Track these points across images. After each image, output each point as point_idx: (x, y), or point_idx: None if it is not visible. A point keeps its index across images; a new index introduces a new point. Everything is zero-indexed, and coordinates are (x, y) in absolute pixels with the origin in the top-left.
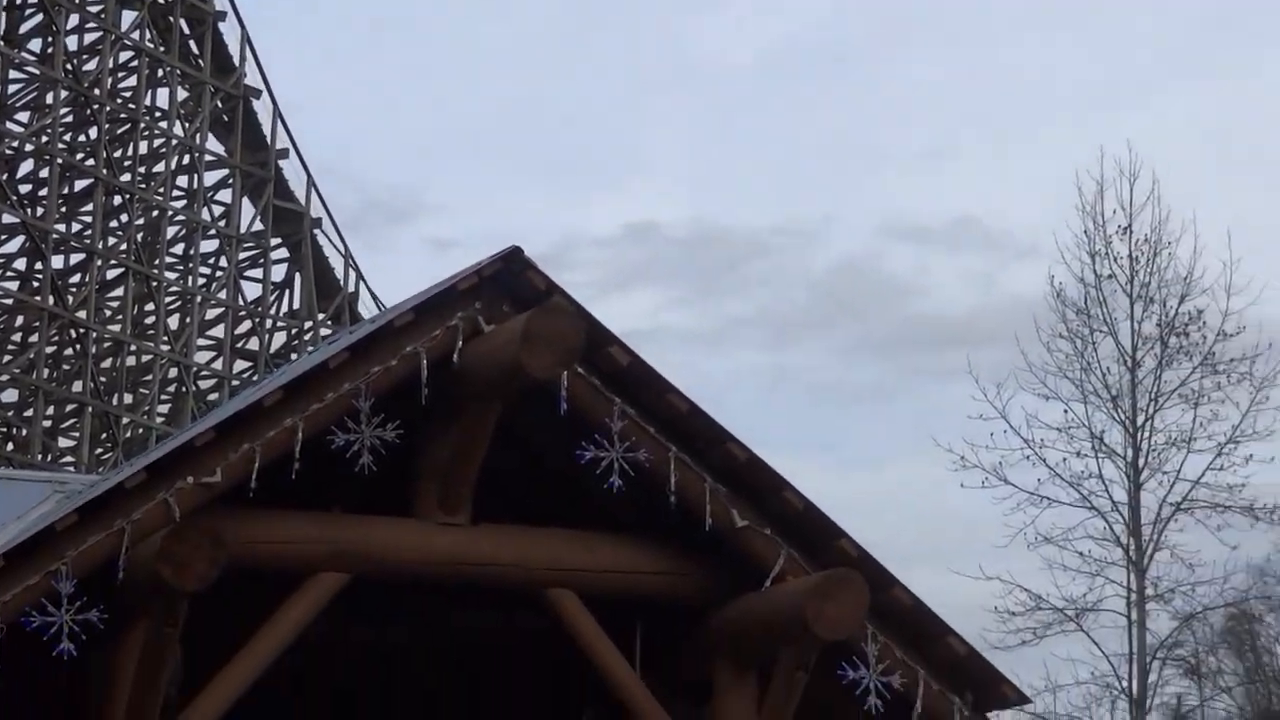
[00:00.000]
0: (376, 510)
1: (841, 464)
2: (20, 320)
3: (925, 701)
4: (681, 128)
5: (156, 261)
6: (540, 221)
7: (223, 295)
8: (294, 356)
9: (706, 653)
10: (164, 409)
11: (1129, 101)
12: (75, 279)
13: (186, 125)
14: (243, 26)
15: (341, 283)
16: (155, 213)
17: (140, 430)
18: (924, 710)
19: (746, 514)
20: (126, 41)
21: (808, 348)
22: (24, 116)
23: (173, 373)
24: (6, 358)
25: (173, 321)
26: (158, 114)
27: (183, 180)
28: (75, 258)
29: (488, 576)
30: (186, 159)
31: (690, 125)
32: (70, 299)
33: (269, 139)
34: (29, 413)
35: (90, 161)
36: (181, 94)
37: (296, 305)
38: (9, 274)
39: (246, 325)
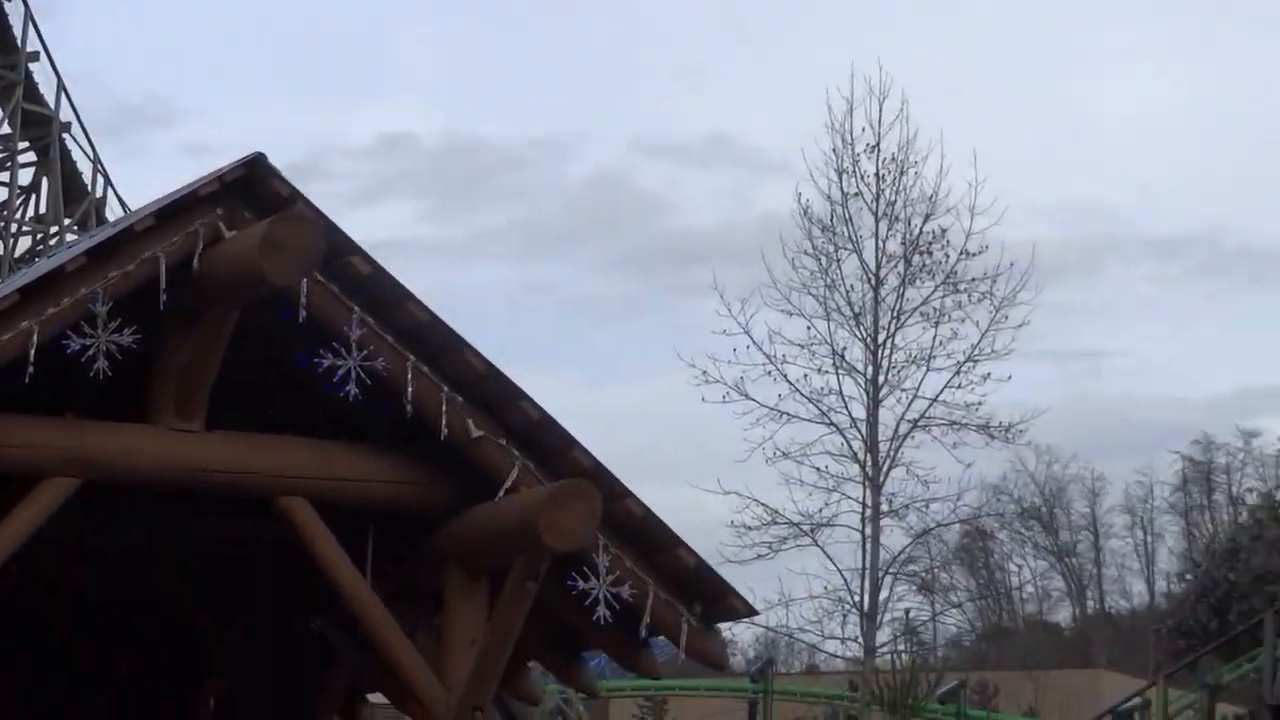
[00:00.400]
0: (112, 416)
1: (592, 378)
2: None
3: (654, 612)
4: (438, 38)
5: None
6: (296, 130)
7: None
8: (39, 261)
9: (440, 561)
10: None
11: (881, 20)
12: None
13: None
14: None
15: (90, 188)
16: None
17: None
18: (652, 621)
19: (483, 424)
20: None
21: (559, 262)
22: None
23: None
24: None
25: None
26: None
27: None
28: None
29: (221, 483)
30: None
31: (447, 36)
32: None
33: (19, 41)
34: None
35: None
36: None
37: (43, 210)
38: None
39: None
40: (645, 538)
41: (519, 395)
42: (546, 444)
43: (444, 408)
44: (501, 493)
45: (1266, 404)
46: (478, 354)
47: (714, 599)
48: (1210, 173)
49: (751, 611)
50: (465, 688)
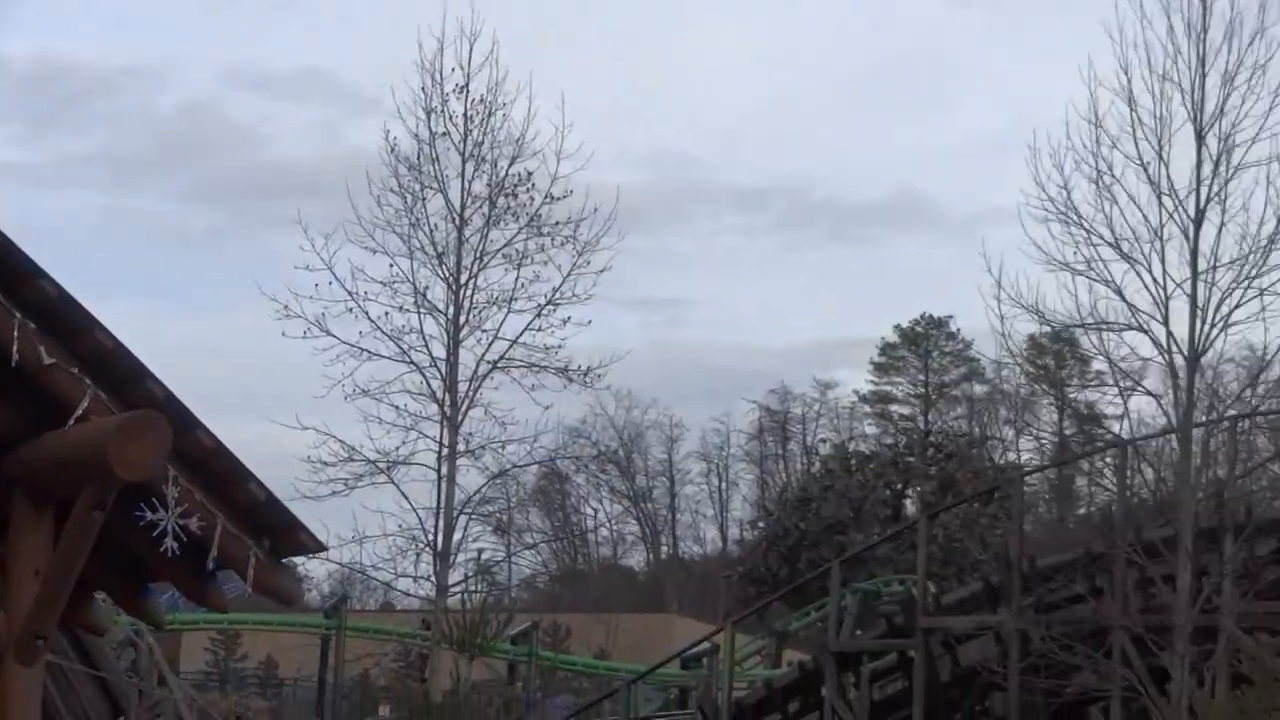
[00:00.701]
0: None
1: (177, 309)
2: None
3: (222, 545)
4: None
5: None
6: None
7: None
8: None
9: (7, 489)
10: None
11: None
12: None
13: None
14: None
15: None
16: None
17: None
18: (220, 554)
19: (55, 351)
20: None
21: (147, 191)
22: None
23: None
24: None
25: None
26: None
27: None
28: None
29: None
30: None
31: None
32: None
33: None
34: None
35: None
36: None
37: None
38: None
39: None
40: (216, 470)
41: (93, 324)
42: (119, 374)
43: (16, 334)
44: (71, 421)
45: (843, 356)
46: (53, 281)
47: (283, 534)
48: (795, 126)
49: (321, 547)
50: (28, 617)
